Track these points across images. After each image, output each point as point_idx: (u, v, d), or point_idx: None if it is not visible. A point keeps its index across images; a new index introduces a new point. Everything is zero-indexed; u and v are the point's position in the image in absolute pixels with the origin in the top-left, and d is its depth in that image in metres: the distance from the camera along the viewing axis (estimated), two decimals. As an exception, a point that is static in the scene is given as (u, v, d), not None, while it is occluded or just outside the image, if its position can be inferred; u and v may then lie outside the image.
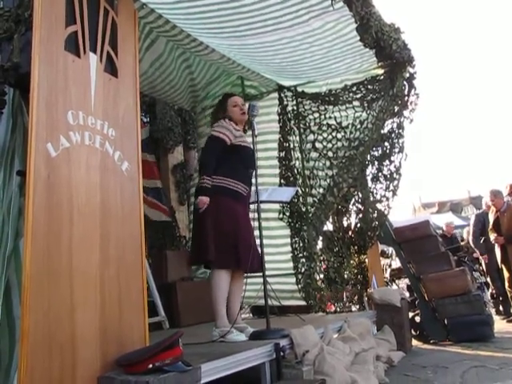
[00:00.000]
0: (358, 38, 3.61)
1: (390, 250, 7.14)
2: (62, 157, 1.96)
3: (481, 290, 5.92)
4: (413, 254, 4.98)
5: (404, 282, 6.75)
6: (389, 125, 4.51)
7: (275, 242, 4.88)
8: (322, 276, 4.70)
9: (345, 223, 4.83)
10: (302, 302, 4.64)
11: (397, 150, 4.50)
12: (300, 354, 2.77)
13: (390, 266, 7.60)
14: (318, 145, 4.85)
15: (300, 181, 4.89)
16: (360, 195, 4.77)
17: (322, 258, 4.74)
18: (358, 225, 4.76)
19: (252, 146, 3.21)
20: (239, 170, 3.15)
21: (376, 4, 3.54)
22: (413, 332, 4.70)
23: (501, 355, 3.68)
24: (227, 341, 2.89)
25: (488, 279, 6.64)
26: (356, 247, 4.79)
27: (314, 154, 4.87)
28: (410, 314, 4.72)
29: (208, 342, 2.93)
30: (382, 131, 4.51)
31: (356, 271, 4.80)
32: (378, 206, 4.69)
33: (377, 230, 4.70)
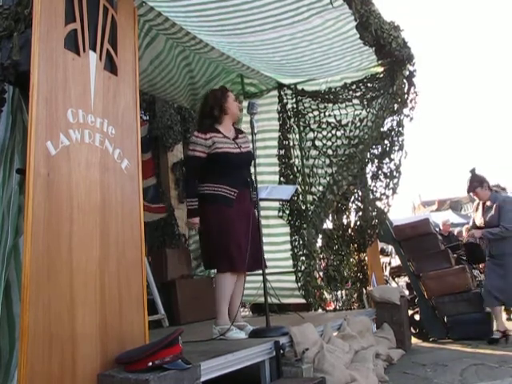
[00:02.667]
0: (358, 35, 3.61)
1: (390, 248, 7.15)
2: (62, 155, 1.96)
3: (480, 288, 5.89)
4: (412, 251, 4.98)
5: (403, 280, 6.76)
6: (388, 123, 4.50)
7: (275, 240, 4.88)
8: (321, 274, 4.71)
9: (344, 221, 4.83)
10: (302, 300, 4.65)
11: (396, 148, 4.50)
12: (300, 351, 2.77)
13: (389, 264, 7.61)
14: (317, 143, 4.85)
15: (300, 179, 4.89)
16: (360, 193, 4.77)
17: (321, 256, 4.74)
18: (358, 223, 4.76)
19: (239, 145, 3.23)
20: (225, 175, 3.13)
21: (375, 2, 3.55)
22: (412, 330, 4.70)
23: (500, 353, 3.69)
24: (227, 339, 2.89)
25: None
26: (356, 245, 4.80)
27: (313, 152, 4.87)
28: (410, 312, 4.73)
29: (208, 340, 2.93)
30: (382, 129, 4.51)
31: (356, 269, 4.80)
32: (378, 204, 4.69)
33: (376, 228, 4.70)
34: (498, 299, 4.24)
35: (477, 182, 4.53)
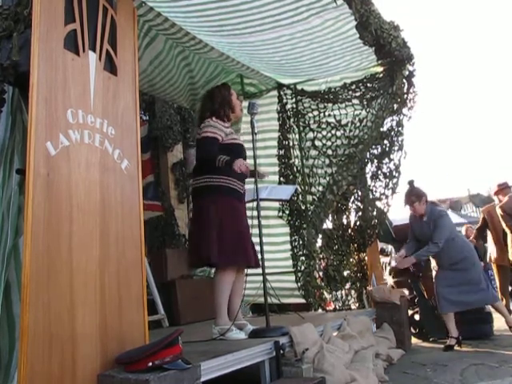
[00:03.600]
0: (358, 35, 3.61)
1: (390, 248, 7.15)
2: (62, 155, 1.96)
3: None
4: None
5: (403, 280, 6.75)
6: (388, 123, 4.51)
7: (275, 240, 4.88)
8: (321, 274, 4.71)
9: (344, 221, 4.84)
10: (302, 300, 4.66)
11: (396, 148, 4.51)
12: (299, 351, 2.77)
13: (389, 264, 7.60)
14: (317, 143, 4.86)
15: (299, 179, 4.89)
16: (359, 193, 4.77)
17: (321, 256, 4.74)
18: (358, 223, 4.76)
19: (243, 142, 3.25)
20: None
21: (375, 2, 3.55)
22: (412, 330, 4.70)
23: (500, 353, 3.68)
24: (227, 339, 2.89)
25: None
26: (355, 245, 4.80)
27: (313, 152, 4.88)
28: (410, 312, 4.72)
29: (208, 340, 2.93)
30: (382, 129, 4.51)
31: (355, 269, 4.80)
32: (378, 203, 4.69)
33: (376, 227, 4.70)
34: (452, 303, 4.17)
35: (414, 197, 4.38)
